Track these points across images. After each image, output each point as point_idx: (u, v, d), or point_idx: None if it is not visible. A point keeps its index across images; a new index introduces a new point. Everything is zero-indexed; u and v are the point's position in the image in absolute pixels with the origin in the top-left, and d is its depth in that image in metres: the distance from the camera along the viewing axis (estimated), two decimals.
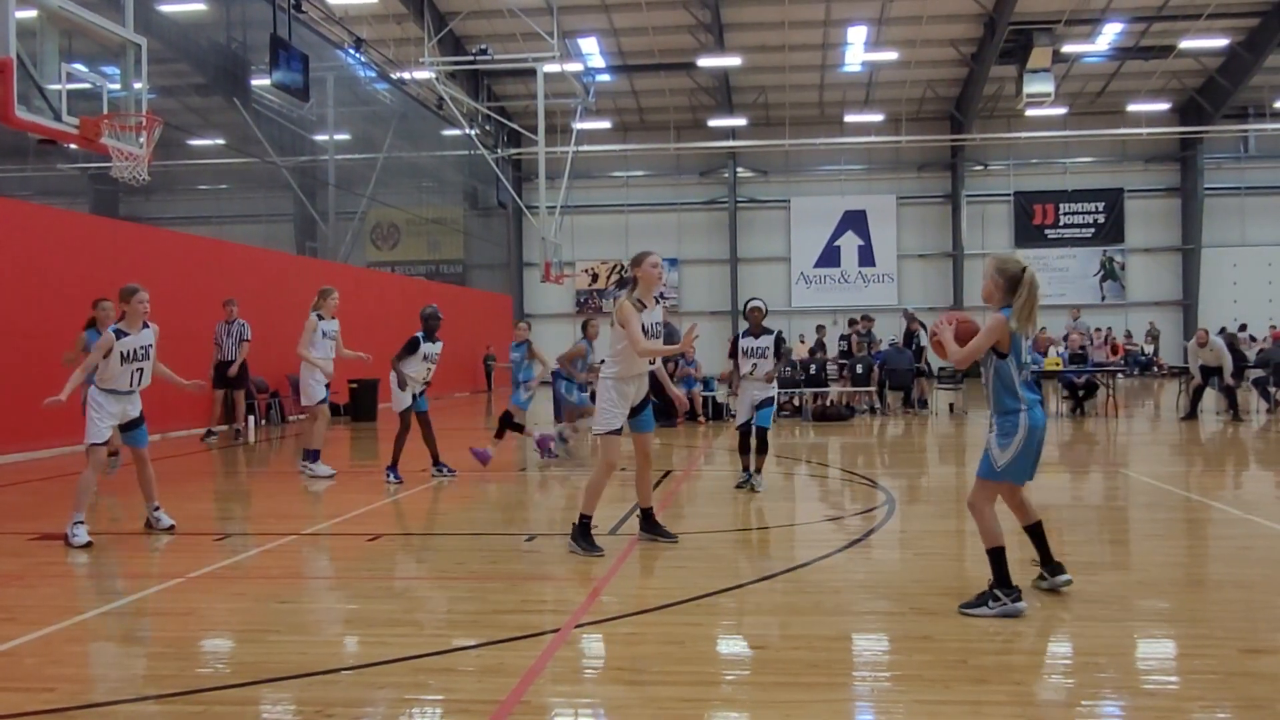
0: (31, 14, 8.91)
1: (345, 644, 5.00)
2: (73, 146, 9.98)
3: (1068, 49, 31.46)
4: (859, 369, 19.72)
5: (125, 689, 4.25)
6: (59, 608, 5.47)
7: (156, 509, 7.94)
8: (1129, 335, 35.65)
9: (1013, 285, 5.23)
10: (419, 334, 10.63)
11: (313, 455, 11.17)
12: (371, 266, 30.84)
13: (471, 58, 27.20)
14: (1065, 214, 37.65)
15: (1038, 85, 30.98)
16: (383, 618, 5.35)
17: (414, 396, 10.73)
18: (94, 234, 15.27)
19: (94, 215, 19.71)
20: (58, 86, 9.16)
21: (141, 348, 7.58)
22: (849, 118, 36.34)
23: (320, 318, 11.20)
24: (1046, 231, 37.72)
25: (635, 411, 6.98)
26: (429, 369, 10.76)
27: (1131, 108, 35.20)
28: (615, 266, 38.62)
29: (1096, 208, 37.47)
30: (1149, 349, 35.53)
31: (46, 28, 9.03)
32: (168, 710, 4.03)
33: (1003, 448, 5.23)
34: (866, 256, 38.22)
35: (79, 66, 9.79)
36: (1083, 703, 4.01)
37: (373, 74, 28.54)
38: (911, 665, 4.41)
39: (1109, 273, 37.55)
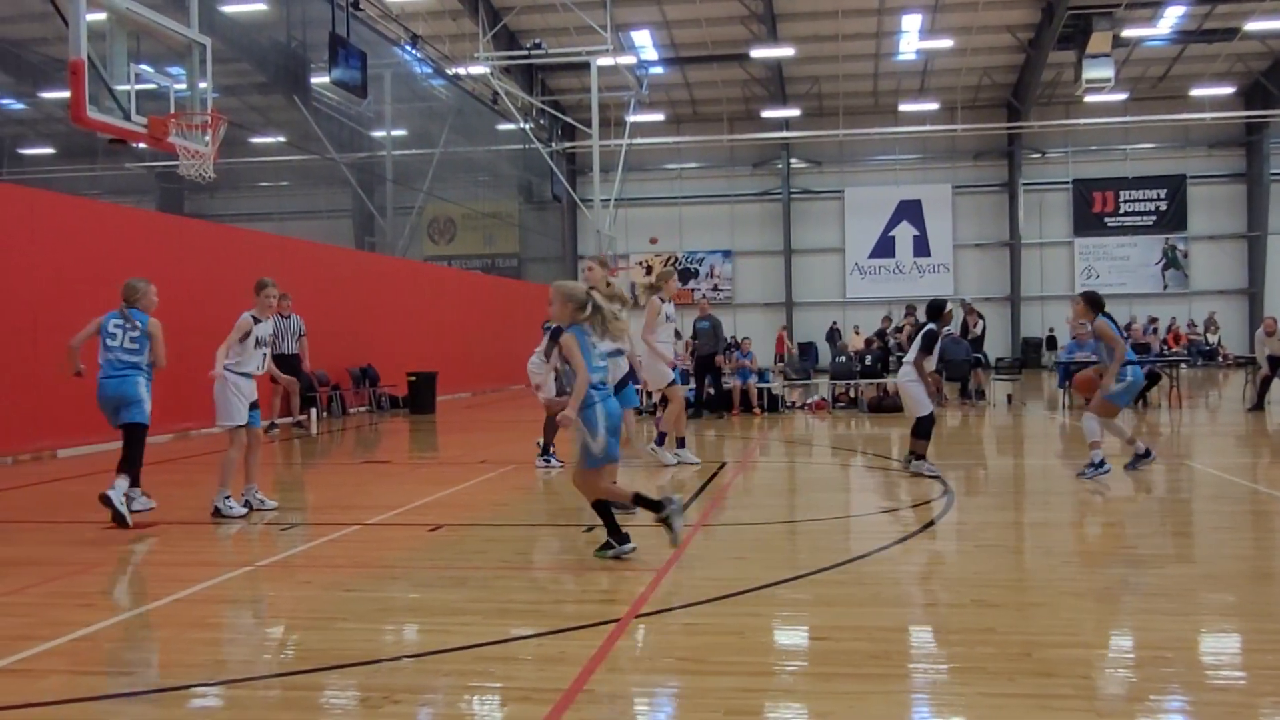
0: (101, 16, 9.14)
1: (409, 632, 5.09)
2: (141, 145, 10.21)
3: (1128, 33, 30.85)
4: None
5: (199, 673, 4.37)
6: (134, 594, 5.65)
7: (257, 492, 8.42)
8: (1191, 324, 34.94)
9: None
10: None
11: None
12: (428, 260, 31.18)
13: (526, 52, 27.38)
14: (1126, 201, 36.97)
15: (1097, 71, 30.42)
16: (445, 607, 5.44)
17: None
18: (161, 231, 15.62)
19: (161, 212, 20.22)
20: (126, 87, 9.39)
21: (267, 336, 8.12)
22: (903, 107, 35.97)
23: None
24: (1106, 220, 37.07)
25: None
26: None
27: (1195, 92, 34.44)
28: (669, 259, 38.66)
29: (1158, 195, 36.75)
30: (1212, 339, 34.79)
31: (116, 30, 9.26)
32: (241, 695, 4.14)
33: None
34: (921, 247, 37.85)
35: (146, 67, 10.02)
36: (1150, 697, 3.97)
37: (429, 70, 28.81)
38: (974, 658, 4.39)
39: (1171, 261, 36.83)
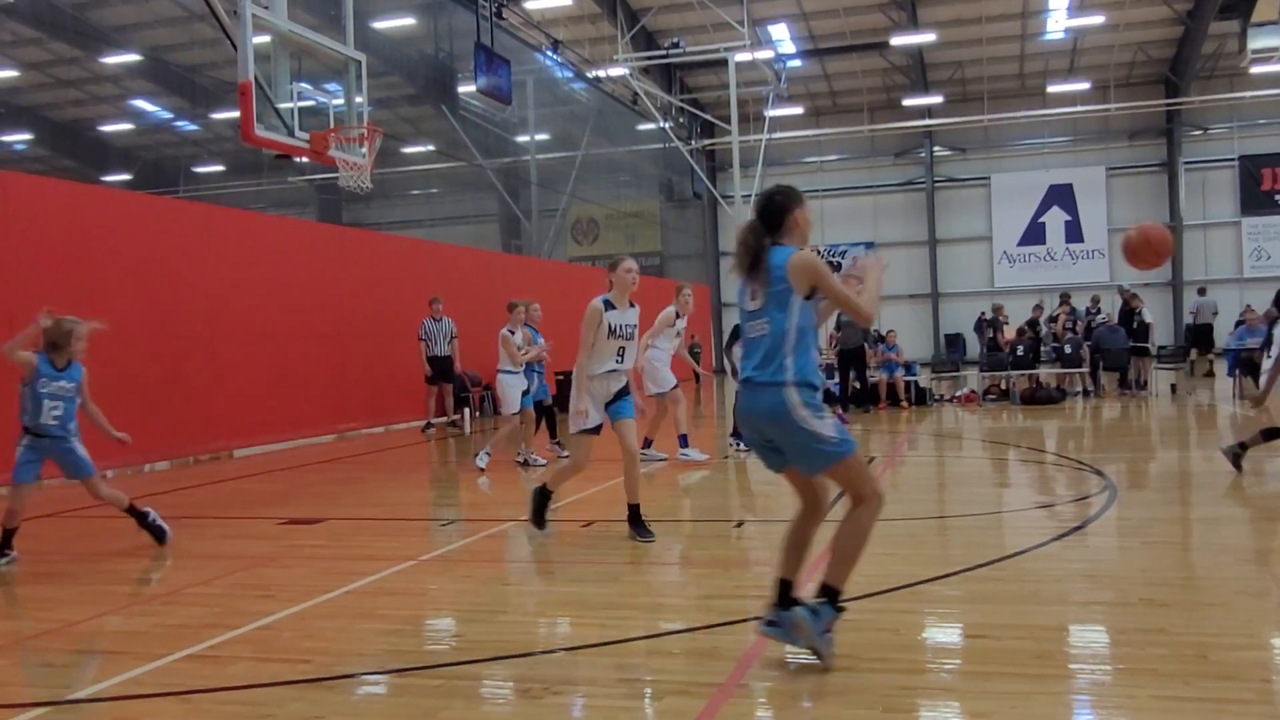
0: (266, 39, 9.64)
1: (565, 625, 5.22)
2: (303, 160, 10.72)
3: None
4: (1068, 349, 18.87)
5: (371, 662, 4.60)
6: (309, 586, 5.95)
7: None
8: None
9: None
10: (738, 324, 11.42)
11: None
12: (573, 261, 31.69)
13: (664, 52, 27.52)
14: None
15: (1264, 39, 28.55)
16: (599, 601, 5.56)
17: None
18: (323, 240, 16.37)
19: (321, 223, 21.15)
20: (289, 105, 9.87)
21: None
22: (1052, 88, 34.59)
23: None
24: (1277, 197, 34.86)
25: (610, 403, 7.13)
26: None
27: None
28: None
29: None
30: None
31: (279, 51, 9.76)
32: (409, 683, 4.33)
33: None
34: (1074, 232, 36.34)
35: (306, 85, 10.52)
36: None
37: (570, 74, 29.28)
38: (1144, 659, 4.23)
39: None
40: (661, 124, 31.03)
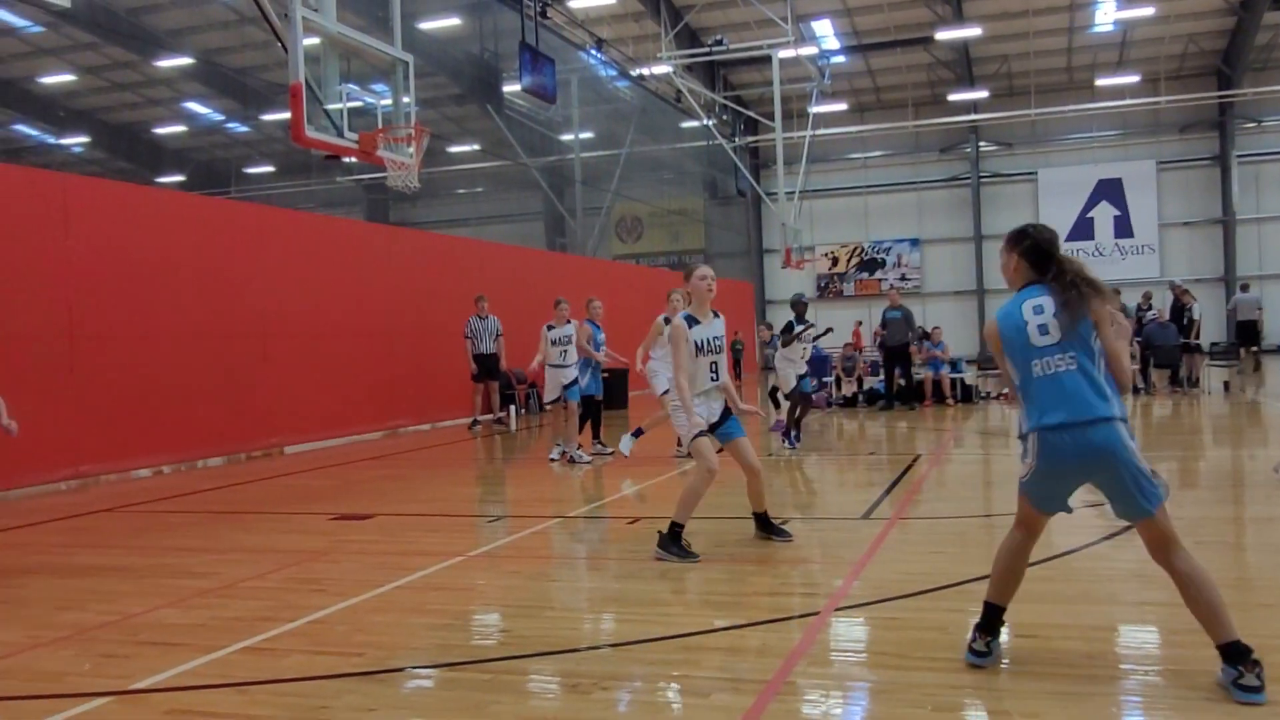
0: (315, 41, 9.78)
1: (613, 621, 5.27)
2: (351, 160, 10.85)
3: None
4: None
5: (422, 656, 4.67)
6: (360, 581, 6.05)
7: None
8: None
9: None
10: (791, 319, 12.22)
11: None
12: (617, 259, 31.78)
13: (707, 49, 27.51)
14: None
15: None
16: (646, 597, 5.59)
17: (797, 378, 12.34)
18: (371, 239, 16.56)
19: (369, 222, 21.38)
20: (338, 106, 9.99)
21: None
22: (1100, 81, 34.11)
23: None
24: None
25: (716, 426, 6.66)
26: (805, 349, 12.32)
27: None
28: (855, 249, 38.11)
29: None
30: None
31: (328, 53, 9.88)
32: (460, 677, 4.40)
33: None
34: (1123, 227, 35.84)
35: (354, 86, 10.66)
36: None
37: (614, 72, 29.35)
38: (1197, 660, 4.17)
39: None
40: (705, 121, 31.00)
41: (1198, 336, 19.10)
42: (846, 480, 10.57)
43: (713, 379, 6.61)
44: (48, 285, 10.56)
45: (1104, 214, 36.05)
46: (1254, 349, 23.79)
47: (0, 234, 10.15)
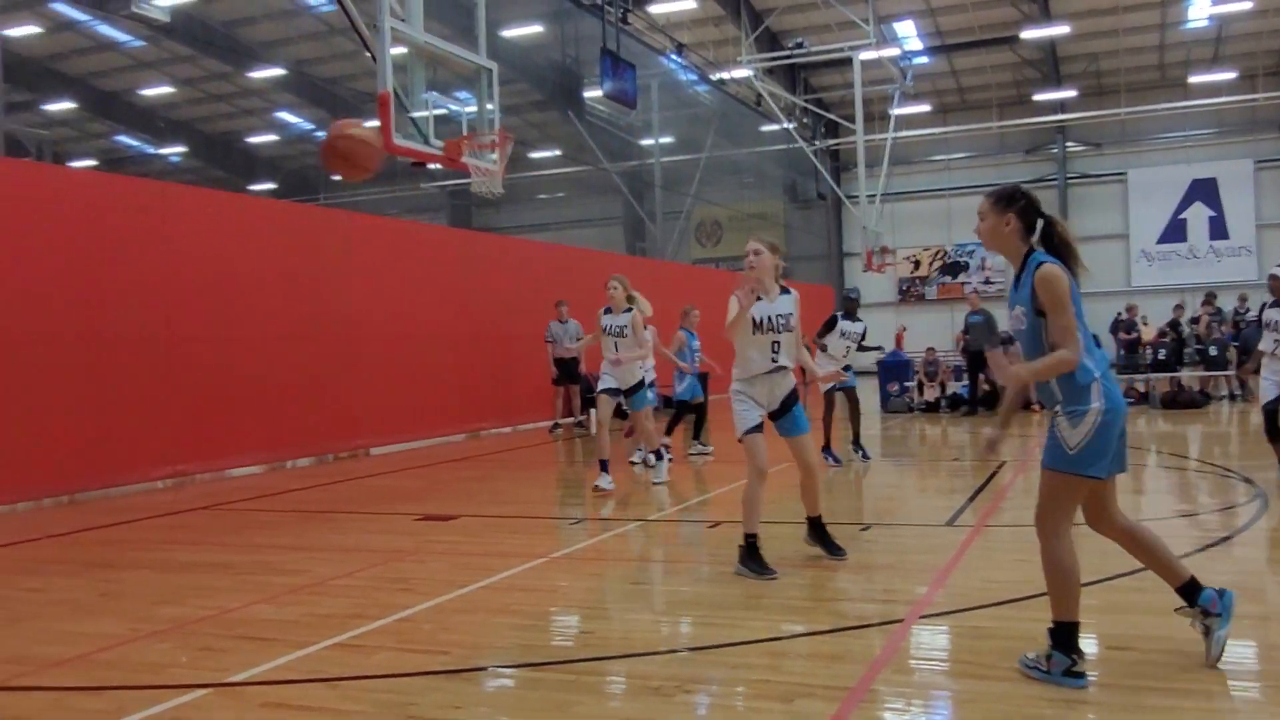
0: (402, 50, 9.98)
1: (693, 625, 5.28)
2: (436, 167, 11.04)
3: None
4: (1212, 350, 18.07)
5: (506, 656, 4.75)
6: (445, 580, 6.16)
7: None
8: None
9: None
10: (837, 313, 11.70)
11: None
12: (697, 263, 31.76)
13: (788, 52, 27.39)
14: None
15: None
16: (727, 601, 5.59)
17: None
18: (455, 244, 16.84)
19: (452, 228, 21.71)
20: (425, 114, 10.19)
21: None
22: (1194, 79, 33.03)
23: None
24: None
25: (777, 415, 6.32)
26: (848, 347, 11.59)
27: None
28: (938, 253, 37.53)
29: None
30: None
31: (414, 62, 10.08)
32: (543, 677, 4.46)
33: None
34: (1218, 228, 34.65)
35: (438, 94, 10.86)
36: None
37: (694, 77, 29.37)
38: None
39: None
40: (785, 125, 30.84)
41: None
42: (928, 486, 10.43)
43: (773, 359, 6.18)
44: (147, 290, 10.94)
45: (1198, 215, 34.93)
46: None
47: (103, 241, 10.55)
